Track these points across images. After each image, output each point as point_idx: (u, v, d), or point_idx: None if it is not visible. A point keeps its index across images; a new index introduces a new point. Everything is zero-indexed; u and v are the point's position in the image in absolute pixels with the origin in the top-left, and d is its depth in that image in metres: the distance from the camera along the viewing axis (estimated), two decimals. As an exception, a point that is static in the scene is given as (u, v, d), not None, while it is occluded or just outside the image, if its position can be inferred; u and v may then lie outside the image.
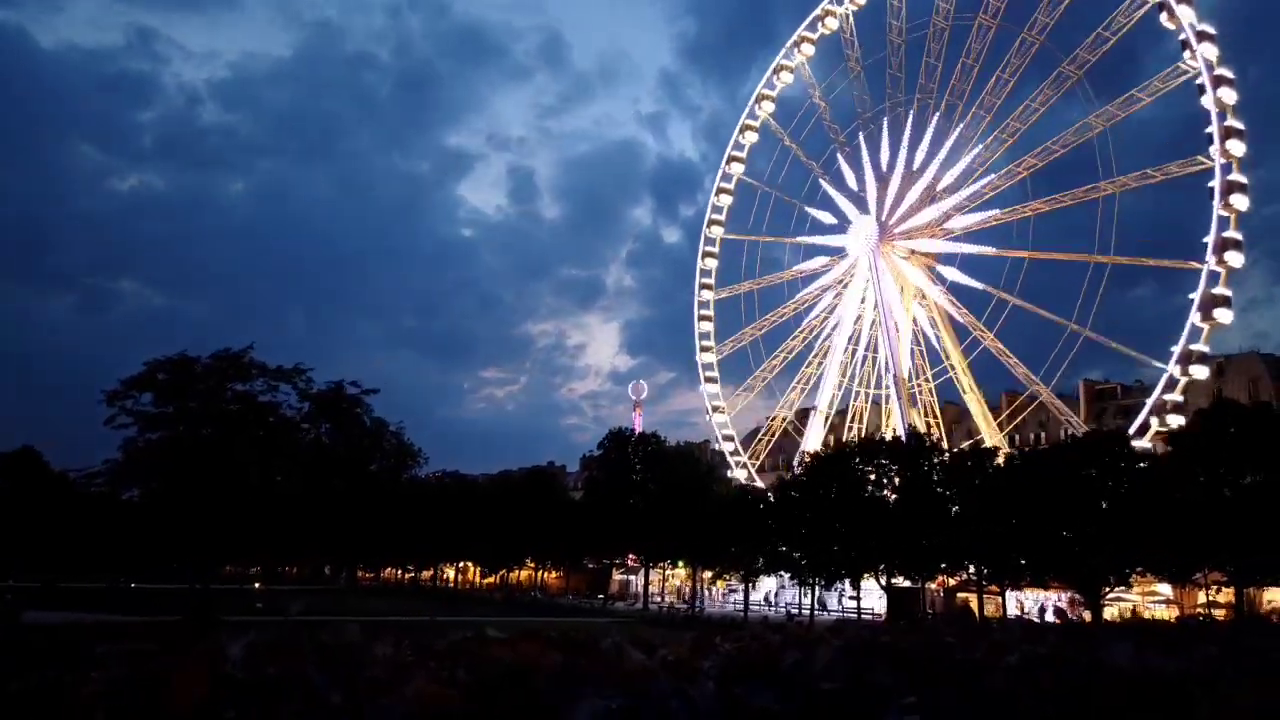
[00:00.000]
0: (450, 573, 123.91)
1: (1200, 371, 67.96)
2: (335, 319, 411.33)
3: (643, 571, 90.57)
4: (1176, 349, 68.39)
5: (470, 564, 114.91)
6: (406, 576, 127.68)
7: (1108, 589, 54.57)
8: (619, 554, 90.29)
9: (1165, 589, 65.93)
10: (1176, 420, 68.22)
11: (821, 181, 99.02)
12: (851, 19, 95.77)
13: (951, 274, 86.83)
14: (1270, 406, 59.45)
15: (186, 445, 56.07)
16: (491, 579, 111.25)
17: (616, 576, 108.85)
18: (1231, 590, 54.22)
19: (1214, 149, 68.24)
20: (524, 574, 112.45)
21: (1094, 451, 56.08)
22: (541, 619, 57.65)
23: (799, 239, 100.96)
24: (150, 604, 41.44)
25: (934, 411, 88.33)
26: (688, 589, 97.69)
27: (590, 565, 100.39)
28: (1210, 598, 63.68)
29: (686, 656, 2.37)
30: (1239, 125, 68.39)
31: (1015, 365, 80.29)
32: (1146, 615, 61.15)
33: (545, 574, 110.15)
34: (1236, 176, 67.68)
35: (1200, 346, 67.84)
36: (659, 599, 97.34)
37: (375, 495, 71.23)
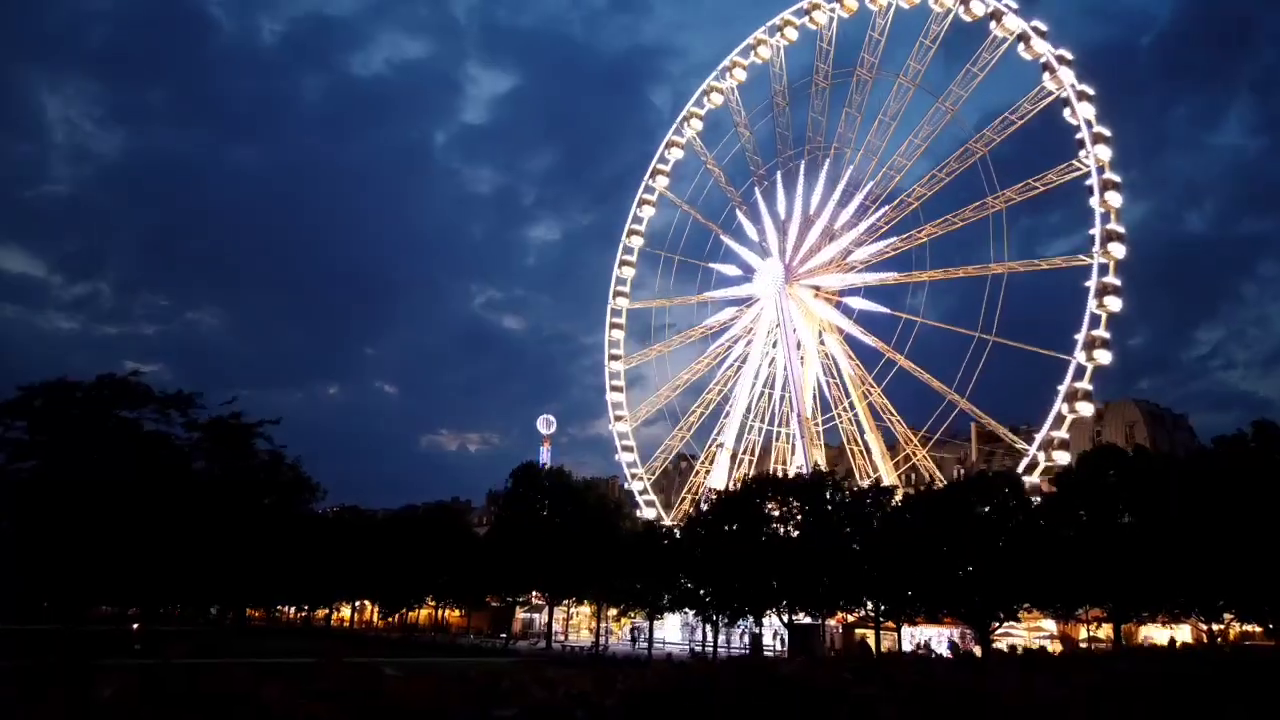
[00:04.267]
0: (346, 612, 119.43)
1: (1062, 457, 71.06)
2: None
3: (547, 609, 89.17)
4: (1040, 435, 72.32)
5: (368, 603, 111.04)
6: (299, 616, 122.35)
7: (997, 624, 56.51)
8: (523, 592, 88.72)
9: (1050, 625, 68.69)
10: (1063, 456, 71.35)
11: (723, 238, 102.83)
12: (736, 91, 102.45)
13: (849, 326, 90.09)
14: (1146, 450, 63.20)
15: (61, 476, 52.65)
16: (390, 618, 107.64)
17: (520, 615, 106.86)
18: (1111, 626, 56.90)
19: (1084, 154, 73.76)
20: (424, 613, 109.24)
21: (985, 492, 58.33)
22: (441, 659, 55.99)
23: (706, 295, 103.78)
24: (14, 646, 38.50)
25: (855, 440, 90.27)
26: (592, 626, 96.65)
27: (493, 604, 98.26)
28: (1091, 633, 66.68)
29: (590, 692, 2.35)
30: (1106, 132, 74.49)
31: (896, 423, 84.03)
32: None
33: (446, 613, 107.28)
34: (1111, 179, 72.61)
35: (1061, 434, 71.85)
36: (562, 637, 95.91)
37: (267, 530, 68.10)
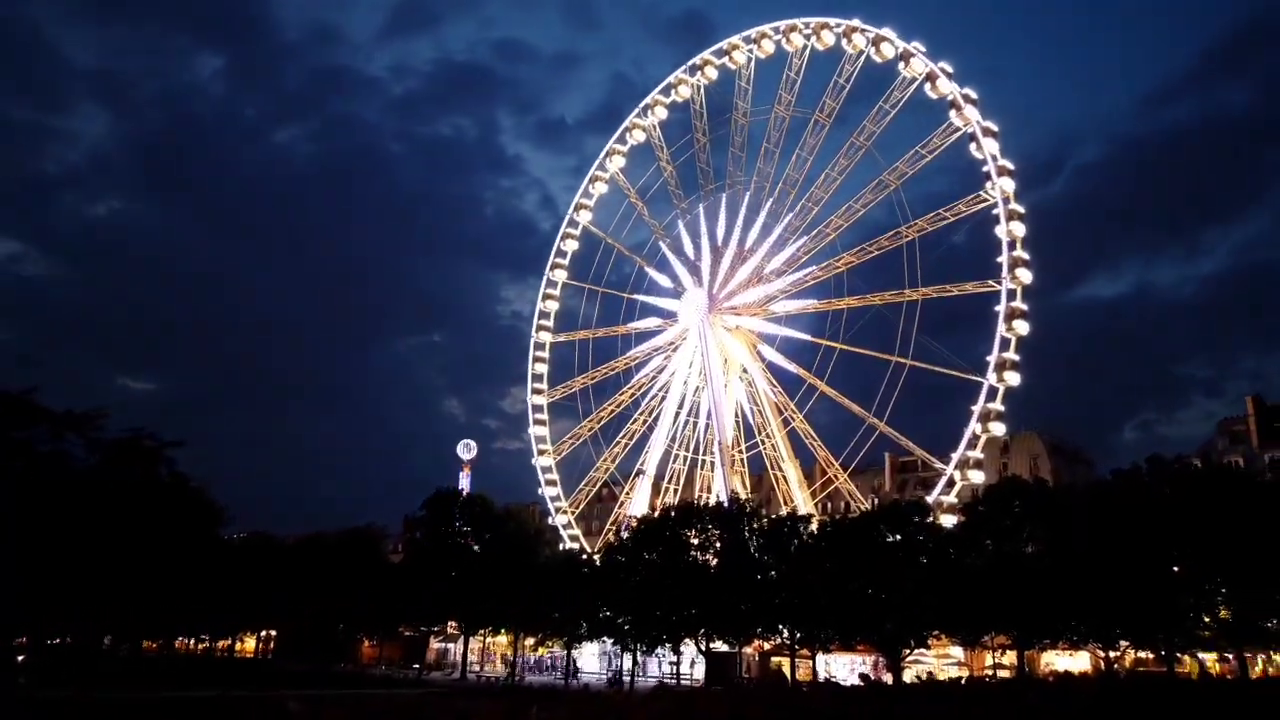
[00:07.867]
0: (251, 642, 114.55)
1: (976, 476, 73.40)
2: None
3: (462, 639, 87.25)
4: (956, 455, 74.10)
5: (274, 632, 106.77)
6: (200, 648, 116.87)
7: (908, 652, 57.72)
8: (438, 621, 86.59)
9: (958, 652, 70.49)
10: (978, 476, 73.41)
11: (647, 269, 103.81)
12: (658, 128, 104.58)
13: (770, 354, 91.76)
14: (1048, 482, 65.83)
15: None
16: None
17: (434, 644, 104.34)
18: (1015, 652, 58.72)
19: (990, 186, 77.05)
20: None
21: (896, 521, 59.78)
22: (350, 691, 54.10)
23: (631, 326, 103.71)
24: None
25: (777, 466, 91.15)
26: (507, 656, 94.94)
27: (406, 633, 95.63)
28: (996, 660, 68.70)
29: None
30: (1009, 165, 78.03)
31: (818, 448, 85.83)
32: (941, 677, 65.01)
33: (358, 643, 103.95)
34: (1020, 254, 75.48)
35: (975, 454, 73.77)
36: (478, 668, 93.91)
37: (165, 556, 64.89)
